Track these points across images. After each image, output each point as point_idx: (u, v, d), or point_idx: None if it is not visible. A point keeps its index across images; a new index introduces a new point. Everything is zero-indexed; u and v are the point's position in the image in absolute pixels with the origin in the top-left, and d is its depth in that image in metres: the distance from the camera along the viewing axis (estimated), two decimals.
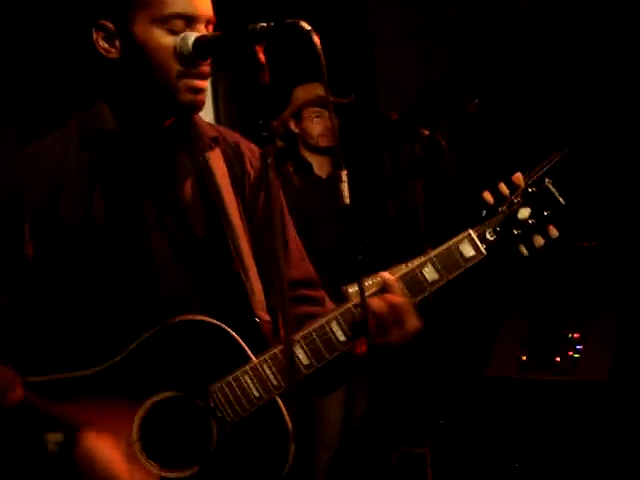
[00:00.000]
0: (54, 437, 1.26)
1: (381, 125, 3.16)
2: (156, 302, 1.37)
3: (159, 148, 1.43)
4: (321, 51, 1.14)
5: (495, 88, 3.67)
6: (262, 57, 1.19)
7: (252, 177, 1.50)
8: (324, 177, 3.18)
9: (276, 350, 1.33)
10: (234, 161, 1.50)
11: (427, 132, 2.63)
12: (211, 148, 1.46)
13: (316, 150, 3.15)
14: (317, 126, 3.09)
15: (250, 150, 1.54)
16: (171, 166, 1.42)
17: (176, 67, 1.32)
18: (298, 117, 3.12)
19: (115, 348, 1.34)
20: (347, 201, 1.15)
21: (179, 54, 1.30)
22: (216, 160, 1.46)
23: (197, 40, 1.28)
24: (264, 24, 1.20)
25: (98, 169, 1.40)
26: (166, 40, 1.32)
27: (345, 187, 1.15)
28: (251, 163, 1.51)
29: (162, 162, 1.42)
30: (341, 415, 3.10)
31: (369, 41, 4.01)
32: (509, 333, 3.23)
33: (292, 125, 3.16)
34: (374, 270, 1.37)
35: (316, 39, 1.15)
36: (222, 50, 1.28)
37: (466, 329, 3.34)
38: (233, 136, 1.54)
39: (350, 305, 1.33)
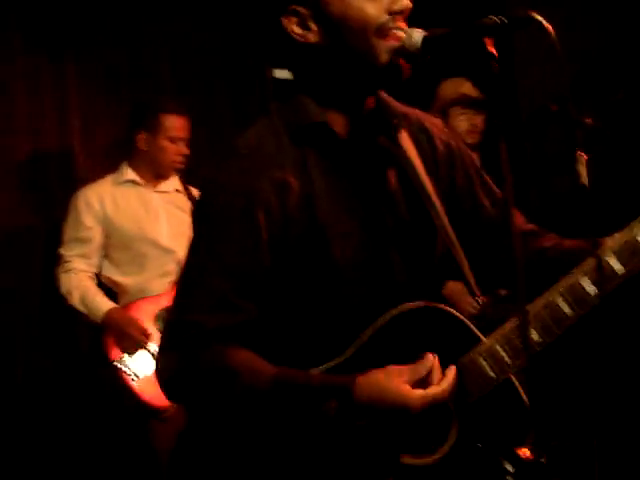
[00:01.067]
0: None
1: (541, 115, 3.16)
2: (388, 290, 1.40)
3: (363, 136, 1.42)
4: (557, 44, 1.16)
5: None
6: (492, 49, 1.22)
7: (441, 153, 1.51)
8: None
9: (506, 329, 1.35)
10: (420, 138, 1.50)
11: (590, 121, 2.63)
12: (401, 127, 1.45)
13: None
14: (463, 123, 3.11)
15: (435, 125, 1.55)
16: (376, 153, 1.44)
17: (373, 33, 1.32)
18: (444, 114, 3.14)
19: (348, 340, 1.36)
20: (585, 182, 1.18)
21: (406, 51, 1.32)
22: (405, 139, 1.47)
23: (426, 38, 1.32)
24: (496, 19, 1.23)
25: (313, 165, 1.38)
26: (362, 3, 1.32)
27: (583, 169, 1.19)
28: (440, 138, 1.52)
29: (367, 150, 1.43)
30: None
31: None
32: None
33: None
34: None
35: (552, 31, 1.17)
36: (451, 46, 1.31)
37: None
38: (414, 112, 1.54)
39: (575, 280, 1.34)
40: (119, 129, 3.51)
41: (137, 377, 2.97)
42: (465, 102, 3.10)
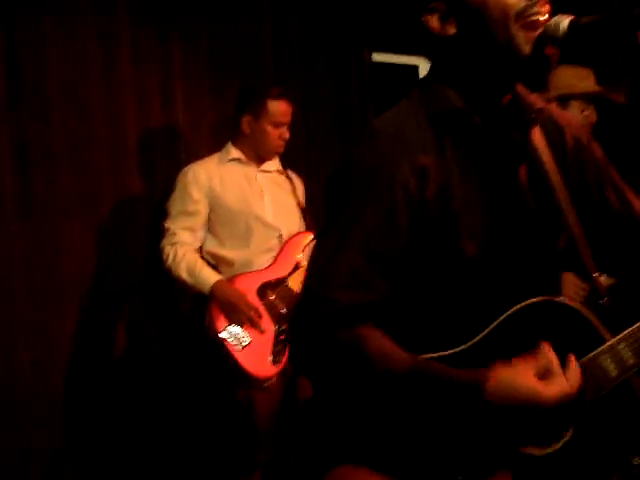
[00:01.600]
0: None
1: None
2: (511, 283, 1.42)
3: (498, 128, 1.43)
4: None
5: None
6: None
7: (571, 148, 1.52)
8: None
9: (631, 328, 1.36)
10: (552, 133, 1.51)
11: None
12: (535, 122, 1.46)
13: None
14: (580, 115, 2.99)
15: (567, 120, 1.56)
16: (509, 146, 1.45)
17: (513, 20, 1.32)
18: (563, 102, 3.02)
19: (468, 330, 1.38)
20: None
21: (550, 37, 1.33)
22: (538, 134, 1.48)
23: (572, 23, 1.32)
24: None
25: (449, 152, 1.39)
26: None
27: None
28: (572, 134, 1.53)
29: (501, 142, 1.44)
30: None
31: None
32: None
33: None
34: None
35: None
36: (599, 34, 1.31)
37: None
38: (548, 107, 1.54)
39: None
40: (222, 107, 3.63)
41: (241, 348, 3.07)
42: (585, 96, 3.01)
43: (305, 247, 3.31)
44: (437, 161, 1.38)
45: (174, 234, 3.18)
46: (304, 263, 3.22)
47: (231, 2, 3.81)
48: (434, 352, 1.37)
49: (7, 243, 3.20)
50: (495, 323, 1.37)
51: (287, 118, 3.27)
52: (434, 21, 1.40)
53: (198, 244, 3.22)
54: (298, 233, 3.34)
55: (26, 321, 3.21)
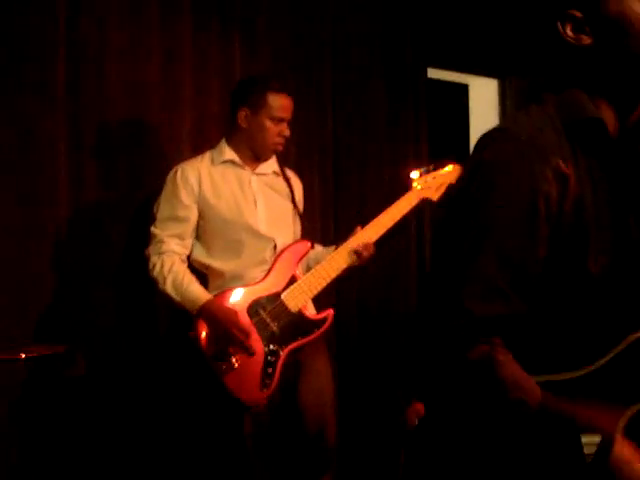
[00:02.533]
0: (590, 439, 1.26)
1: None
2: (635, 305, 1.36)
3: (631, 141, 1.40)
4: None
5: None
6: None
7: None
8: None
9: None
10: None
11: None
12: None
13: None
14: None
15: None
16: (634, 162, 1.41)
17: None
18: None
19: (600, 348, 1.33)
20: None
21: None
22: None
23: None
24: None
25: (581, 161, 1.34)
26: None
27: None
28: None
29: (632, 156, 1.40)
30: None
31: None
32: None
33: None
34: None
35: None
36: None
37: None
38: None
39: None
40: None
41: (230, 371, 2.83)
42: None
43: (302, 258, 3.06)
44: (574, 170, 1.33)
45: (162, 242, 2.93)
46: (301, 277, 3.01)
47: (291, 8, 3.77)
48: (551, 370, 1.33)
49: None
50: (619, 347, 1.32)
51: (288, 114, 3.03)
52: (569, 30, 1.36)
53: (187, 252, 2.98)
54: (295, 242, 3.08)
55: None
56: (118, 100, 3.28)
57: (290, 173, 3.23)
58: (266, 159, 3.10)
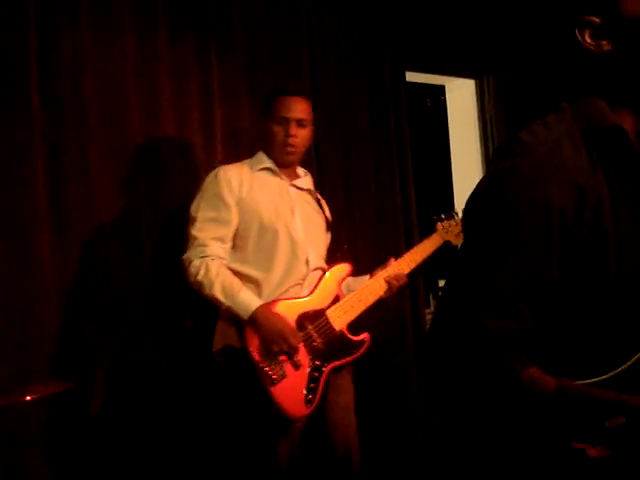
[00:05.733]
0: (614, 421, 1.24)
1: None
2: None
3: None
4: None
5: None
6: None
7: None
8: None
9: None
10: None
11: None
12: None
13: None
14: None
15: None
16: None
17: None
18: None
19: (622, 355, 1.30)
20: None
21: None
22: None
23: None
24: None
25: (600, 169, 1.32)
26: None
27: None
28: None
29: None
30: None
31: None
32: None
33: None
34: None
35: None
36: None
37: None
38: None
39: None
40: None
41: (277, 382, 2.78)
42: None
43: (344, 279, 3.09)
44: (592, 181, 1.30)
45: (204, 245, 2.84)
46: (342, 297, 3.03)
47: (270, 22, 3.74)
48: (573, 378, 1.30)
49: None
50: (636, 357, 1.29)
51: (291, 113, 2.98)
52: (587, 36, 1.33)
53: (227, 258, 2.90)
54: (337, 263, 3.10)
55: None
56: (95, 114, 3.20)
57: (321, 198, 3.24)
58: (288, 165, 3.07)
